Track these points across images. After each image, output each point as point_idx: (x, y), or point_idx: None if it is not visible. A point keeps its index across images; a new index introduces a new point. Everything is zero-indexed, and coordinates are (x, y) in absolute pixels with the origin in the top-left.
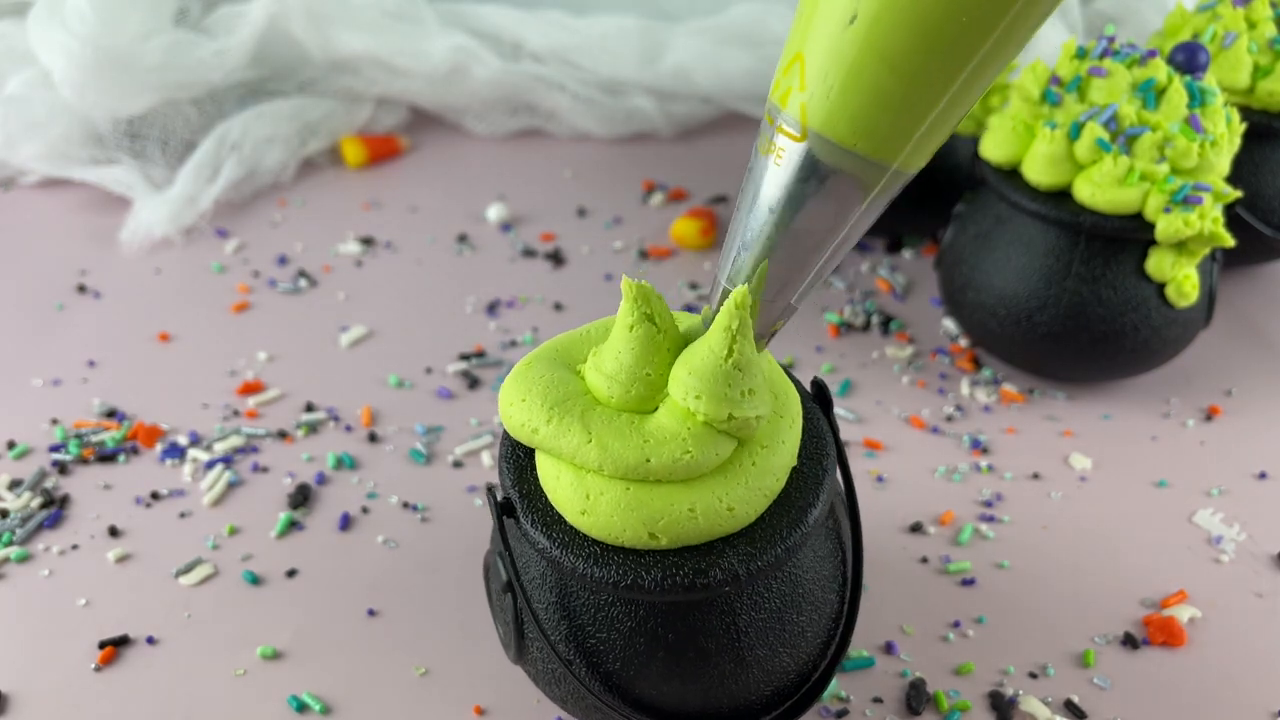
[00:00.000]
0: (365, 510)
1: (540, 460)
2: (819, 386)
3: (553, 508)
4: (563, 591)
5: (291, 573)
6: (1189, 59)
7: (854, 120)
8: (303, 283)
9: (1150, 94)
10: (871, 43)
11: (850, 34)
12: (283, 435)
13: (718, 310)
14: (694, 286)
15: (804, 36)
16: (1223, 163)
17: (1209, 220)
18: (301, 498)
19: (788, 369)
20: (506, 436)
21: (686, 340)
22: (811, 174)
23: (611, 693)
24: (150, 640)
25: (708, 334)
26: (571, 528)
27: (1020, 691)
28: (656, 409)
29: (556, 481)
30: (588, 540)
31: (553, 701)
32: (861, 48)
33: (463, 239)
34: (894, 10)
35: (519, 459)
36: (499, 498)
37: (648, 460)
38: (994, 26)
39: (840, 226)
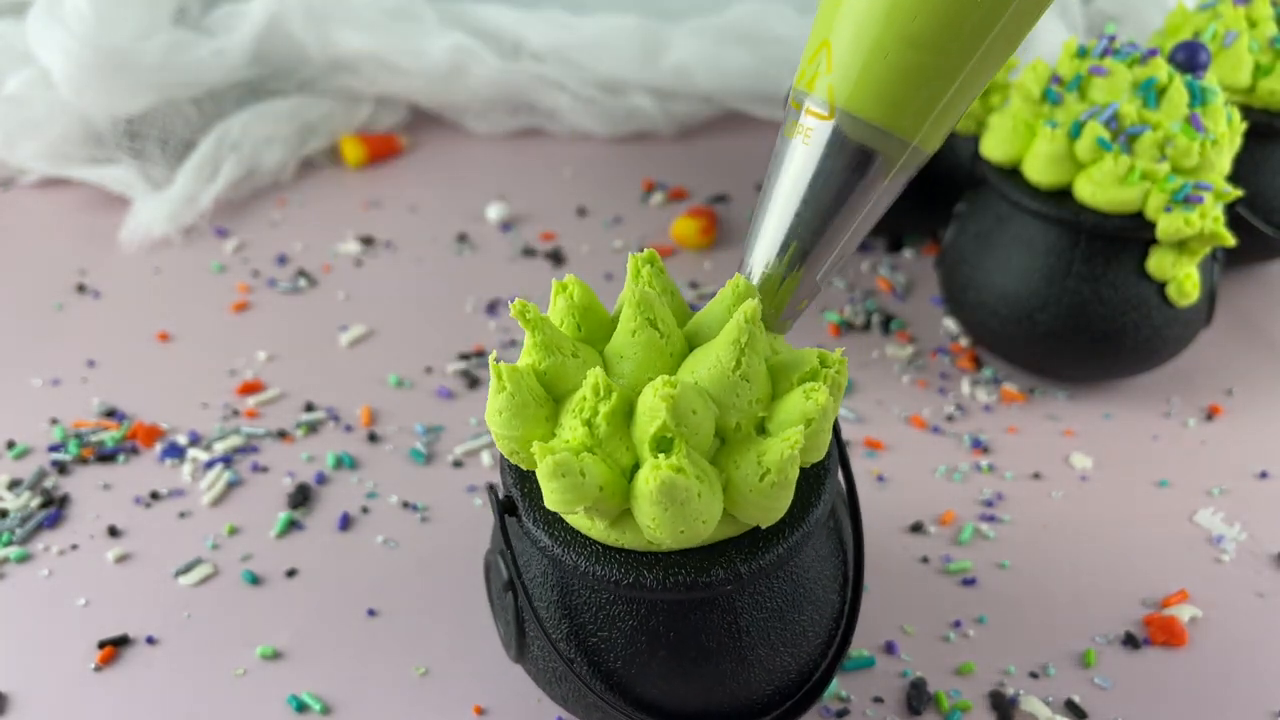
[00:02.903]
0: (365, 510)
1: None
2: None
3: None
4: (564, 590)
5: (291, 573)
6: (1190, 58)
7: (880, 97)
8: (302, 282)
9: (1151, 93)
10: (895, 22)
11: (875, 15)
12: (282, 435)
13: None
14: (694, 286)
15: (829, 24)
16: (1224, 162)
17: (1210, 219)
18: (301, 498)
19: None
20: None
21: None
22: (839, 149)
23: (613, 691)
24: (150, 640)
25: (715, 343)
26: (573, 526)
27: (1021, 691)
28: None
29: None
30: (589, 538)
31: (553, 701)
32: (885, 27)
33: (463, 238)
34: None
35: None
36: (500, 496)
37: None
38: (1007, 5)
39: (864, 202)
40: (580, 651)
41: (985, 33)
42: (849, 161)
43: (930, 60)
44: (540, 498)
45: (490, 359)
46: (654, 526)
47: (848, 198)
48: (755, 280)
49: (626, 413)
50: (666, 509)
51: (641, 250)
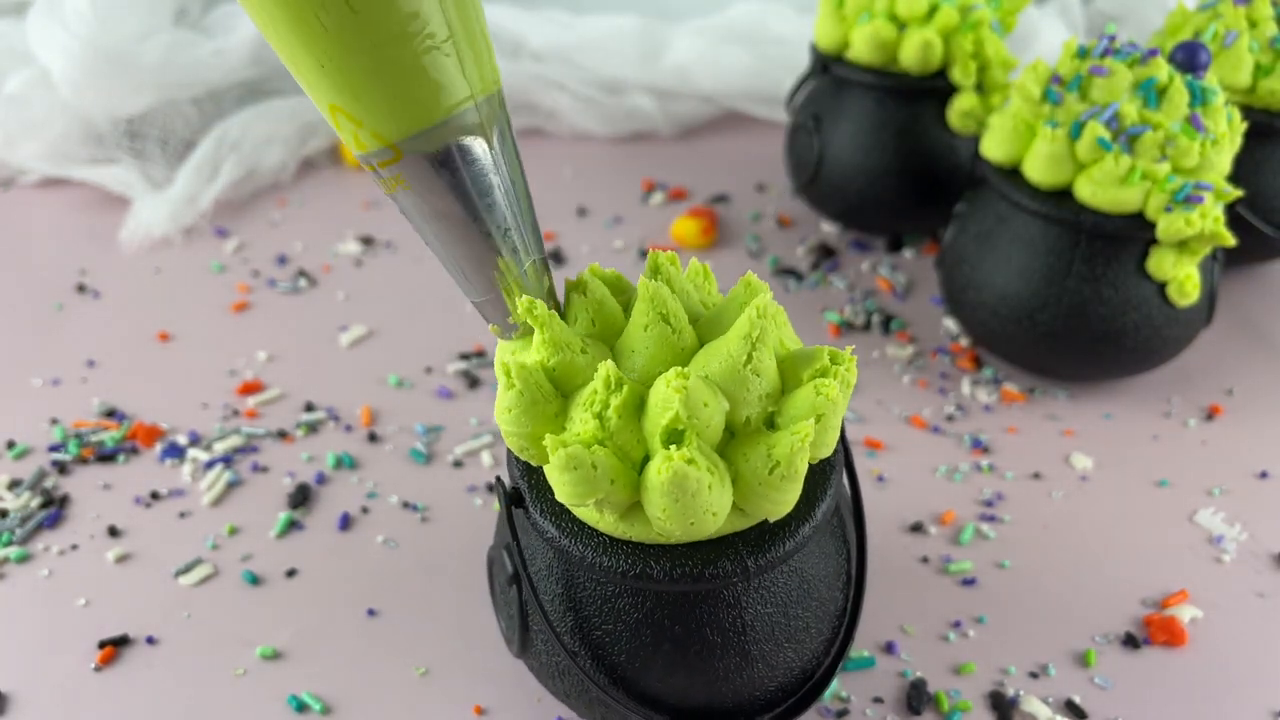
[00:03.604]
0: (365, 510)
1: None
2: None
3: None
4: (569, 582)
5: (291, 573)
6: (1190, 58)
7: (410, 100)
8: (302, 282)
9: (1151, 93)
10: (333, 50)
11: (311, 56)
12: (282, 435)
13: (493, 322)
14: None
15: (321, 91)
16: (1224, 162)
17: (1210, 219)
18: (301, 498)
19: None
20: None
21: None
22: (439, 166)
23: (616, 685)
24: (150, 640)
25: (727, 338)
26: (580, 518)
27: (1021, 691)
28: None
29: None
30: (597, 530)
31: (555, 696)
32: (342, 56)
33: None
34: (298, 30)
35: None
36: (508, 487)
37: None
38: None
39: (498, 175)
40: (584, 645)
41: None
42: (451, 167)
43: (387, 50)
44: (547, 489)
45: (497, 358)
46: (664, 518)
47: (488, 186)
48: (482, 307)
49: (637, 406)
50: (677, 500)
51: (643, 250)
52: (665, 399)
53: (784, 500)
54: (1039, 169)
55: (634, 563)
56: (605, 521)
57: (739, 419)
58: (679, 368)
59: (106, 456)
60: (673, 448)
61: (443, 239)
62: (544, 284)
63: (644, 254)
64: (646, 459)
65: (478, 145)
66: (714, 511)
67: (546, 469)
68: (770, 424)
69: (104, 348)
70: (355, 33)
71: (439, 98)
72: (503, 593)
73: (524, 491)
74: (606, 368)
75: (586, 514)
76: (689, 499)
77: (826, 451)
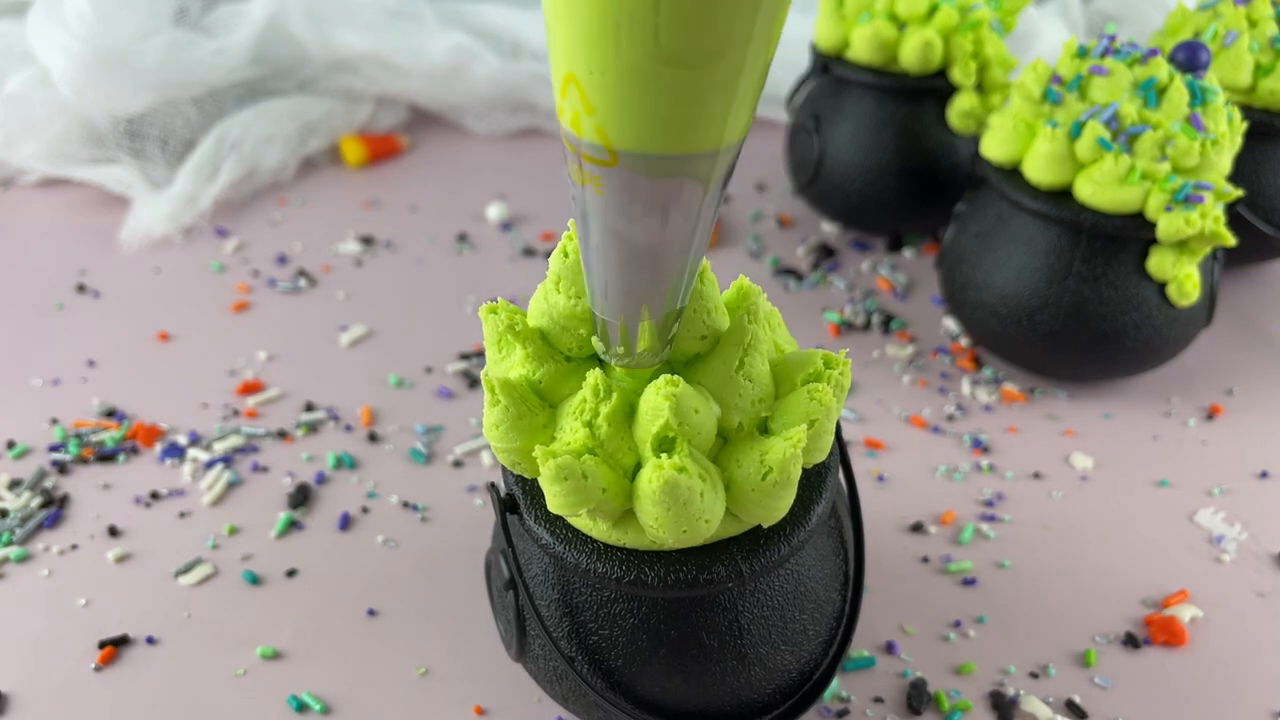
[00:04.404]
0: (365, 510)
1: None
2: None
3: None
4: (565, 588)
5: (291, 573)
6: (1190, 58)
7: (661, 126)
8: (302, 282)
9: (1151, 93)
10: (639, 39)
11: (609, 33)
12: (282, 435)
13: (607, 342)
14: None
15: (569, 53)
16: (1224, 161)
17: (1210, 219)
18: (301, 498)
19: None
20: None
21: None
22: (637, 192)
23: (613, 690)
24: (150, 640)
25: (719, 343)
26: (574, 525)
27: (1021, 691)
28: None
29: None
30: (590, 537)
31: (554, 700)
32: (630, 46)
33: (463, 238)
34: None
35: None
36: (502, 494)
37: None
38: None
39: (694, 223)
40: (581, 650)
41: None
42: (654, 199)
43: (698, 75)
44: (542, 496)
45: (483, 375)
46: (657, 526)
47: (674, 230)
48: (612, 327)
49: (627, 413)
50: (669, 509)
51: None
52: (655, 407)
53: (778, 506)
54: (1039, 169)
55: (628, 569)
56: (599, 529)
57: (731, 424)
58: (668, 375)
59: (106, 456)
60: (664, 456)
61: (605, 253)
62: (673, 331)
63: None
64: (638, 466)
65: (696, 191)
66: (707, 519)
67: (540, 479)
68: (764, 429)
69: (104, 348)
70: (645, 56)
71: (689, 135)
72: (500, 597)
73: (518, 497)
74: (595, 376)
75: (580, 521)
76: (681, 507)
77: (821, 456)
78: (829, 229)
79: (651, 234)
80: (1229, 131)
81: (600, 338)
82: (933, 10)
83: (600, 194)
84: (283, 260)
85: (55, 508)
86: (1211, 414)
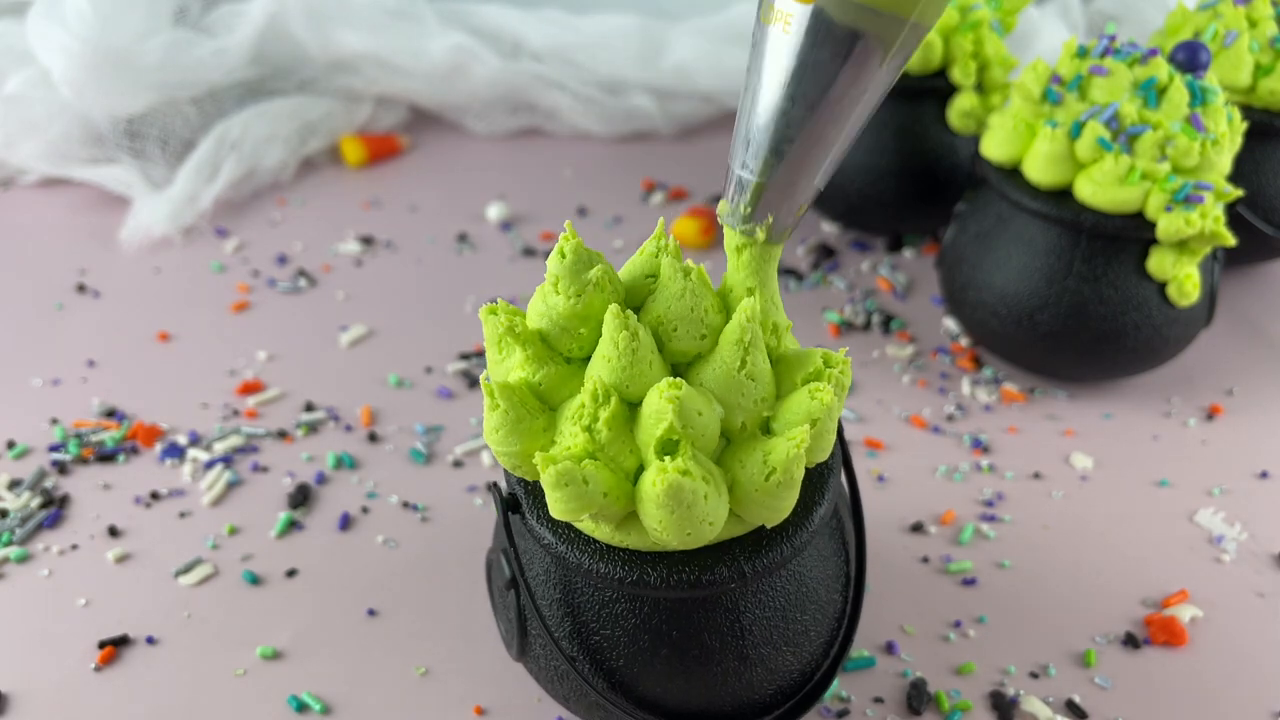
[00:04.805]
0: (365, 510)
1: None
2: None
3: None
4: (567, 588)
5: (291, 573)
6: (1190, 58)
7: None
8: (302, 282)
9: (1151, 93)
10: None
11: None
12: (282, 435)
13: (734, 203)
14: None
15: None
16: (1224, 161)
17: (1210, 219)
18: (301, 498)
19: None
20: None
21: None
22: (825, 36)
23: (614, 690)
24: (150, 640)
25: (720, 344)
26: (575, 525)
27: (1021, 691)
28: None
29: None
30: (592, 537)
31: (554, 699)
32: None
33: (463, 238)
34: None
35: None
36: (504, 493)
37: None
38: None
39: (859, 93)
40: (582, 650)
41: None
42: (837, 48)
43: None
44: (544, 495)
45: (481, 379)
46: (660, 529)
47: (839, 90)
48: (747, 186)
49: (628, 416)
50: (673, 512)
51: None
52: (659, 410)
53: (781, 507)
54: (1039, 169)
55: (631, 569)
56: (601, 531)
57: (734, 425)
58: (671, 378)
59: (106, 456)
60: (667, 459)
61: (768, 99)
62: (799, 212)
63: None
64: (640, 469)
65: (874, 55)
66: (710, 521)
67: (541, 484)
68: (766, 429)
69: (104, 348)
70: None
71: None
72: (501, 597)
73: (520, 497)
74: (594, 380)
75: (583, 523)
76: (685, 510)
77: (823, 455)
78: (829, 229)
79: (821, 84)
80: (1229, 131)
81: (732, 202)
82: None
83: (787, 31)
84: (283, 260)
85: (55, 508)
86: (1211, 414)
